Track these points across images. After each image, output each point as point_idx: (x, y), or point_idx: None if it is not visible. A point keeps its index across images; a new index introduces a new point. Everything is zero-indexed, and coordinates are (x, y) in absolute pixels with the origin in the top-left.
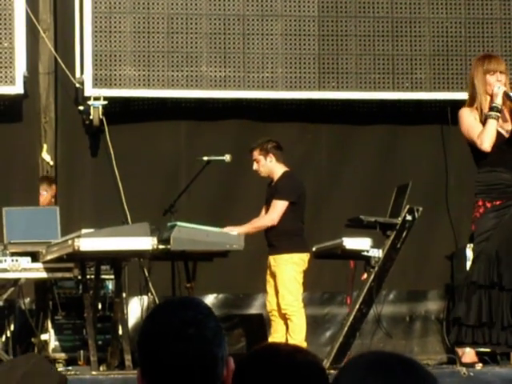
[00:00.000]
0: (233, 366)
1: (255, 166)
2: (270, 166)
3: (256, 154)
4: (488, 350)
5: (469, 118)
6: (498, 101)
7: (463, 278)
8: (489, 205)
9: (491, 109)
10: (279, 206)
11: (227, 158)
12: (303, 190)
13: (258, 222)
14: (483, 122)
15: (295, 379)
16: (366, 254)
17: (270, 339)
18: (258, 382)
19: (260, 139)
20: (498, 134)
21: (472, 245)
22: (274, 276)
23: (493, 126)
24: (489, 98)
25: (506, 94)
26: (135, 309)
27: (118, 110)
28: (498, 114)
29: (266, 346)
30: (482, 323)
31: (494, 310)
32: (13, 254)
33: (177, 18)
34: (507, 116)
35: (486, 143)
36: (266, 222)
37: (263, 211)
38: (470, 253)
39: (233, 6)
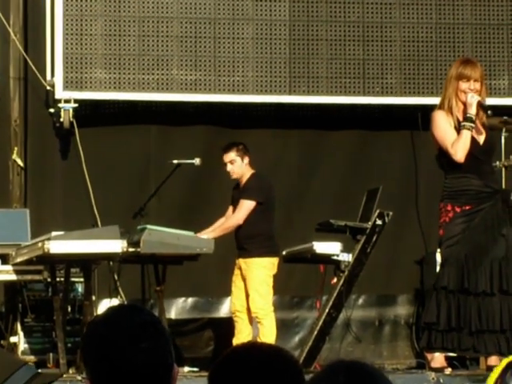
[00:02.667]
0: (178, 370)
1: (230, 167)
2: (244, 168)
3: (233, 154)
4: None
5: (444, 124)
6: (473, 111)
7: (433, 283)
8: (458, 209)
9: (465, 119)
10: (246, 206)
11: (197, 161)
12: (272, 190)
13: (224, 223)
14: (457, 128)
15: (272, 379)
16: (336, 258)
17: (235, 340)
18: (236, 381)
19: (230, 142)
20: (473, 140)
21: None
22: (244, 279)
23: (467, 137)
24: (460, 103)
25: (480, 104)
26: None
27: (88, 112)
28: (473, 125)
29: (244, 345)
30: (451, 328)
31: (462, 314)
32: None
33: (148, 21)
34: (479, 126)
35: (460, 154)
36: (232, 221)
37: (229, 212)
38: (439, 257)
39: (204, 9)
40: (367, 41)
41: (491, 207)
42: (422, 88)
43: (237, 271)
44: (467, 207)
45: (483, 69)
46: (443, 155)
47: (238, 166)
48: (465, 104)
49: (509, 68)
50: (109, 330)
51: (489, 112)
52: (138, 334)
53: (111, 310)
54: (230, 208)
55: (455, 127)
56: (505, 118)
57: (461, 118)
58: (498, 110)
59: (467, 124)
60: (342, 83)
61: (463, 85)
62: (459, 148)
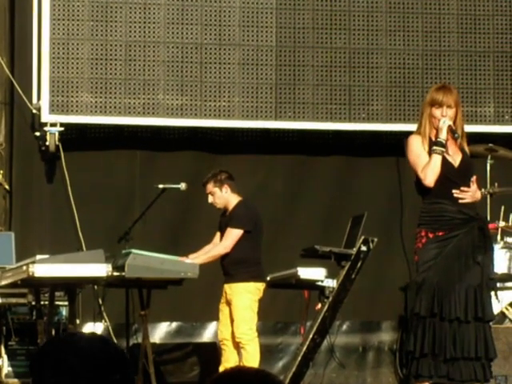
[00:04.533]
0: None
1: (211, 199)
2: (226, 197)
3: (210, 186)
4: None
5: (417, 148)
6: (443, 136)
7: (410, 310)
8: (431, 235)
9: (435, 143)
10: (233, 234)
11: (183, 186)
12: (259, 218)
13: (212, 251)
14: (429, 153)
15: None
16: (320, 284)
17: (221, 368)
18: None
19: (211, 171)
20: (447, 163)
21: None
22: (228, 304)
23: (436, 161)
24: (433, 129)
25: (450, 129)
26: None
27: (74, 136)
28: (443, 149)
29: (232, 369)
30: (425, 354)
31: (437, 341)
32: None
33: (134, 46)
34: (454, 148)
35: (430, 178)
36: (219, 249)
37: (216, 239)
38: None
39: (190, 34)
40: (353, 67)
41: (466, 234)
42: (408, 115)
43: (223, 298)
44: (440, 233)
45: (461, 95)
46: (419, 180)
47: (218, 197)
48: (437, 129)
49: (494, 95)
50: (81, 361)
51: (456, 135)
52: (112, 366)
53: (78, 339)
54: (217, 234)
55: (429, 152)
56: (490, 145)
57: None
58: (483, 138)
59: (437, 148)
60: (327, 109)
61: (436, 111)
62: (428, 172)
